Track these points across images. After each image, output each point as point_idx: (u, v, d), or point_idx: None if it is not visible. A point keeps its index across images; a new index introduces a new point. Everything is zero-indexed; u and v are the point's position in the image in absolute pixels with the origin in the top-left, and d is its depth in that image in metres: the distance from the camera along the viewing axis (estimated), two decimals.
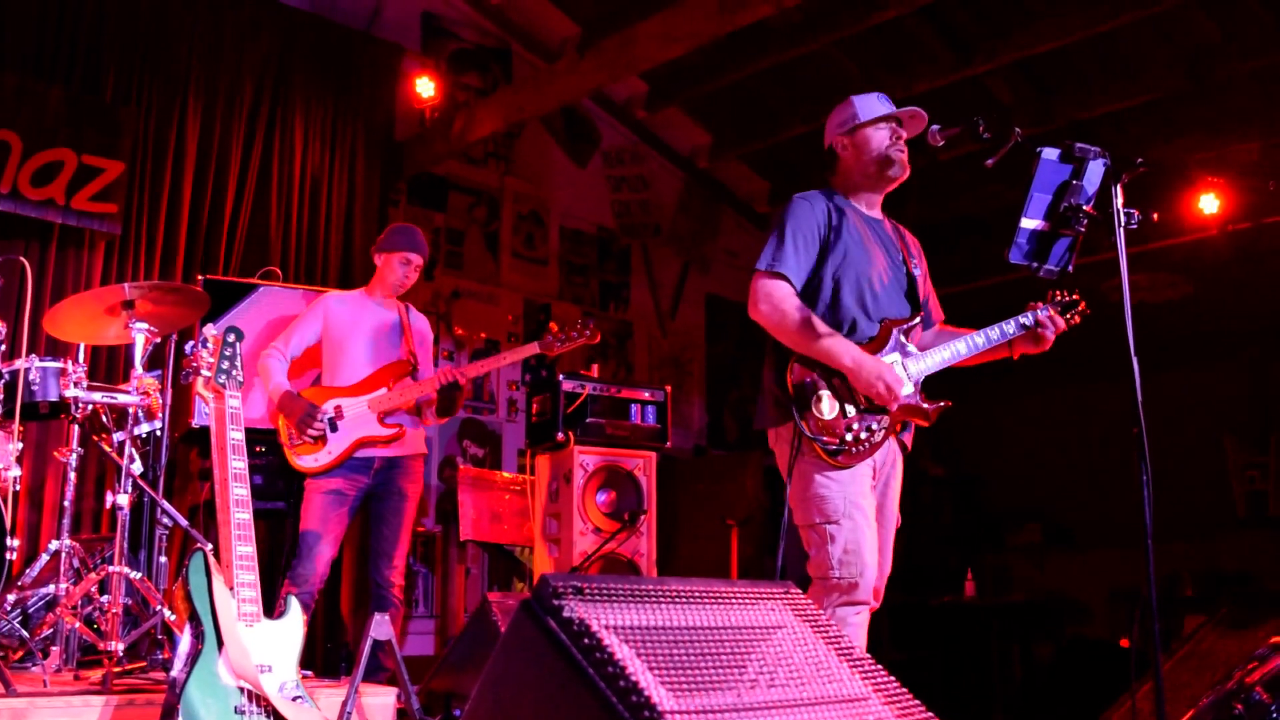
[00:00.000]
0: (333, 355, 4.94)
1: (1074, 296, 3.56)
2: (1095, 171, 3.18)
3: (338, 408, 4.74)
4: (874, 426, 3.19)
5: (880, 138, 3.44)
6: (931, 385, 3.38)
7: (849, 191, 3.52)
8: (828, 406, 3.18)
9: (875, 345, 3.28)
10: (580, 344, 5.02)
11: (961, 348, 3.37)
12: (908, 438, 3.42)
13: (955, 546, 9.38)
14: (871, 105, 3.48)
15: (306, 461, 4.73)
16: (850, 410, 3.19)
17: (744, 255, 9.93)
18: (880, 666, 2.13)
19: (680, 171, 9.57)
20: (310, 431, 4.67)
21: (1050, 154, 3.19)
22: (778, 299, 3.26)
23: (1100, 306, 3.56)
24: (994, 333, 3.41)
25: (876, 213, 3.54)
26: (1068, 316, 3.53)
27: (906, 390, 3.22)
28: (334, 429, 4.72)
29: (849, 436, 3.17)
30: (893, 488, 3.39)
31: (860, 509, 3.18)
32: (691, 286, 9.74)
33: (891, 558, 3.35)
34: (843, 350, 3.19)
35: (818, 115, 8.27)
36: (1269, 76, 7.16)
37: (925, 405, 3.28)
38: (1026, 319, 3.44)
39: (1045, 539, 9.44)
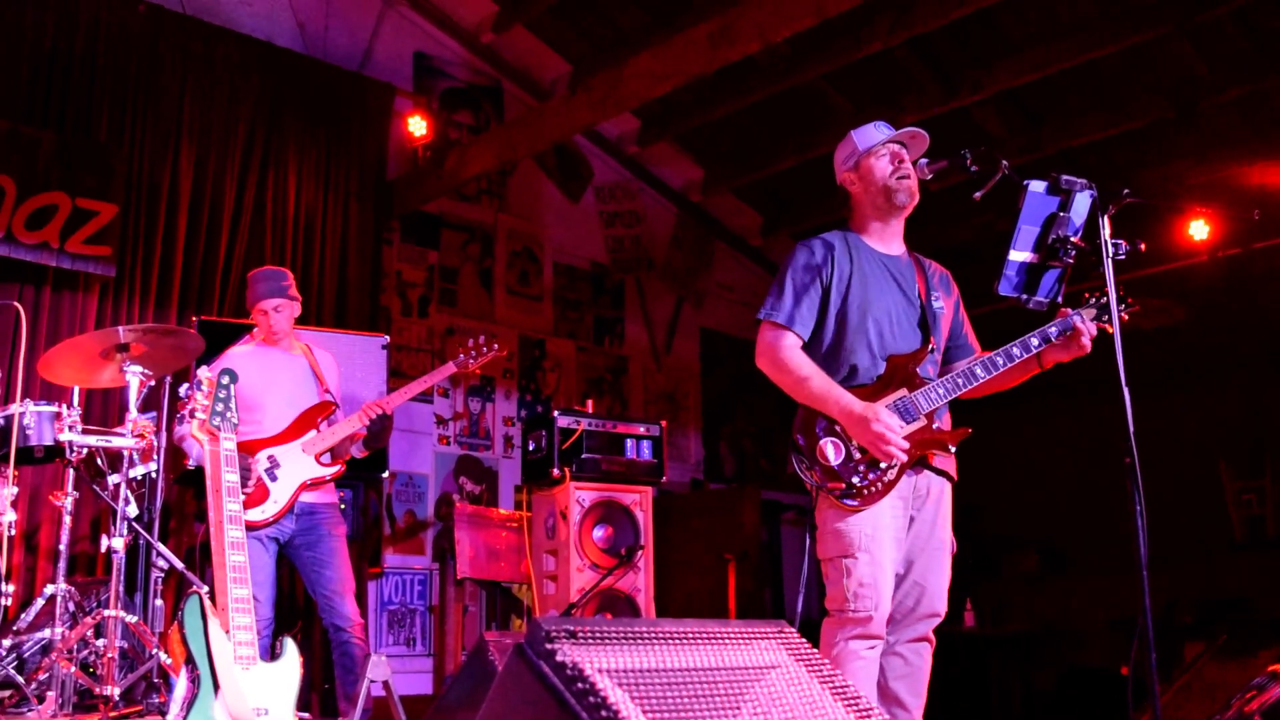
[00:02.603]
0: (247, 411, 4.67)
1: (1119, 293, 3.30)
2: (1082, 203, 3.21)
3: (271, 457, 4.64)
4: (884, 466, 3.16)
5: (881, 166, 3.38)
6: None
7: (863, 228, 3.46)
8: (832, 453, 3.17)
9: (880, 384, 3.25)
10: (491, 358, 4.96)
11: (979, 371, 3.27)
12: (947, 464, 3.34)
13: (953, 576, 9.35)
14: (869, 135, 3.44)
15: (254, 515, 4.50)
16: (856, 454, 3.17)
17: (738, 289, 9.97)
18: (875, 706, 2.13)
19: (673, 206, 9.62)
20: (246, 487, 4.50)
21: (1037, 186, 3.21)
22: (774, 350, 3.30)
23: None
24: (1016, 350, 3.30)
25: (894, 247, 3.47)
26: (1109, 317, 3.27)
27: (904, 432, 3.15)
28: (273, 479, 4.64)
29: (856, 480, 3.14)
30: (942, 514, 3.34)
31: (879, 543, 3.16)
32: (686, 320, 9.76)
33: (948, 581, 3.33)
34: (832, 400, 3.18)
35: (808, 148, 8.38)
36: (1252, 104, 7.23)
37: (942, 433, 3.25)
38: (1050, 332, 3.31)
39: (1042, 567, 9.42)
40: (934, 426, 3.25)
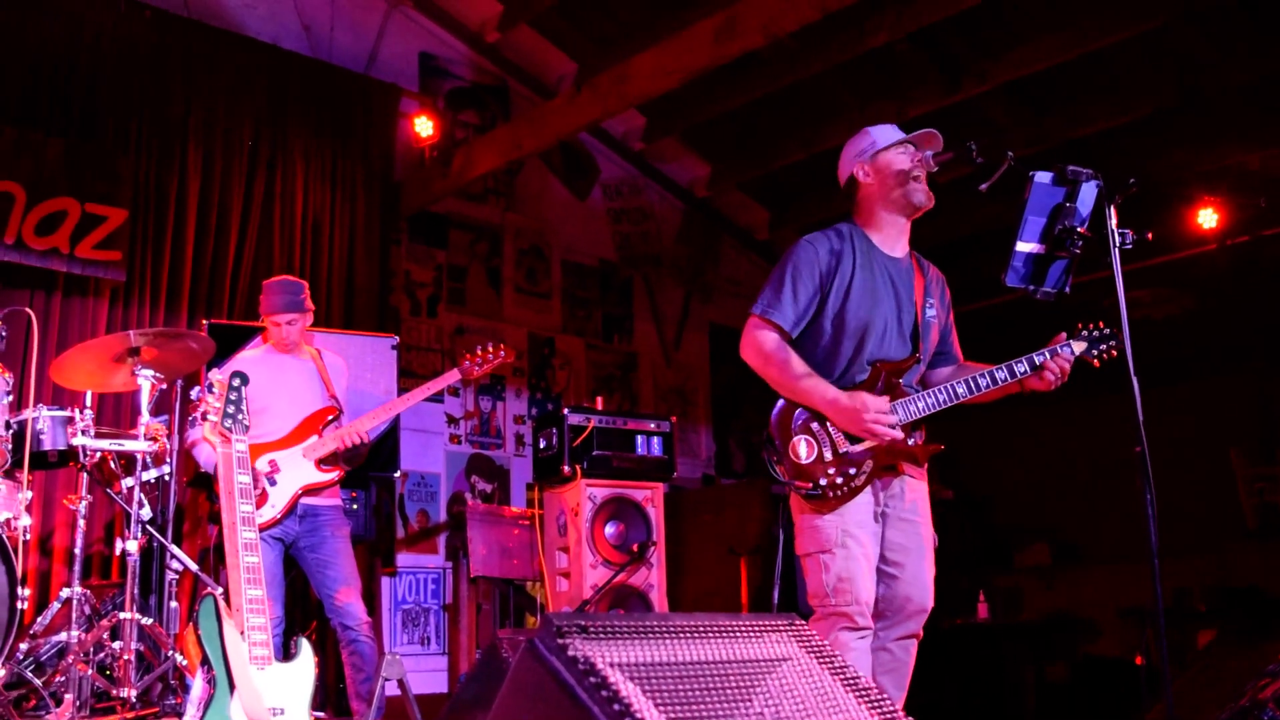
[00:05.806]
0: (254, 416, 4.73)
1: (1108, 330, 3.37)
2: (1088, 193, 3.20)
3: (271, 462, 4.65)
4: (852, 471, 3.17)
5: (902, 160, 3.37)
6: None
7: (870, 225, 3.44)
8: (805, 450, 3.19)
9: (863, 388, 3.25)
10: (498, 364, 4.97)
11: (960, 389, 3.27)
12: (918, 477, 3.36)
13: (965, 569, 9.34)
14: (887, 132, 3.46)
15: None
16: (828, 455, 3.18)
17: (746, 284, 9.97)
18: (887, 696, 2.13)
19: (680, 202, 9.63)
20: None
21: (1043, 177, 3.21)
22: (759, 343, 3.33)
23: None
24: (1001, 374, 3.30)
25: (899, 248, 3.45)
26: (1098, 351, 3.35)
27: (893, 420, 3.18)
28: (273, 483, 4.66)
29: (823, 481, 3.16)
30: (921, 513, 3.35)
31: (854, 538, 3.18)
32: (694, 316, 9.76)
33: (934, 575, 3.35)
34: (818, 392, 3.20)
35: (814, 142, 8.38)
36: (1260, 90, 7.20)
37: (914, 446, 3.26)
38: (1036, 359, 3.31)
39: (1054, 558, 9.40)
40: (909, 438, 3.25)
